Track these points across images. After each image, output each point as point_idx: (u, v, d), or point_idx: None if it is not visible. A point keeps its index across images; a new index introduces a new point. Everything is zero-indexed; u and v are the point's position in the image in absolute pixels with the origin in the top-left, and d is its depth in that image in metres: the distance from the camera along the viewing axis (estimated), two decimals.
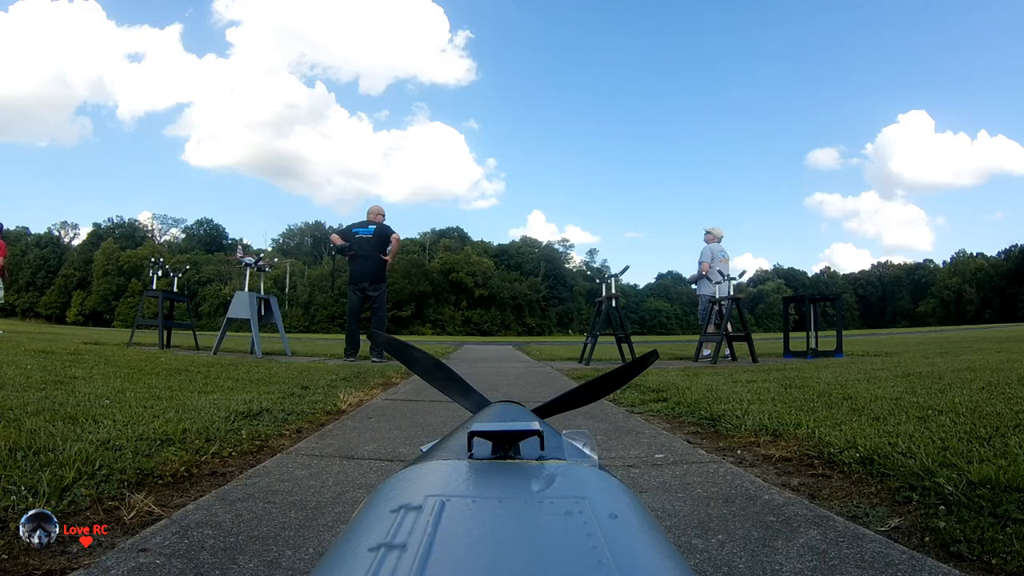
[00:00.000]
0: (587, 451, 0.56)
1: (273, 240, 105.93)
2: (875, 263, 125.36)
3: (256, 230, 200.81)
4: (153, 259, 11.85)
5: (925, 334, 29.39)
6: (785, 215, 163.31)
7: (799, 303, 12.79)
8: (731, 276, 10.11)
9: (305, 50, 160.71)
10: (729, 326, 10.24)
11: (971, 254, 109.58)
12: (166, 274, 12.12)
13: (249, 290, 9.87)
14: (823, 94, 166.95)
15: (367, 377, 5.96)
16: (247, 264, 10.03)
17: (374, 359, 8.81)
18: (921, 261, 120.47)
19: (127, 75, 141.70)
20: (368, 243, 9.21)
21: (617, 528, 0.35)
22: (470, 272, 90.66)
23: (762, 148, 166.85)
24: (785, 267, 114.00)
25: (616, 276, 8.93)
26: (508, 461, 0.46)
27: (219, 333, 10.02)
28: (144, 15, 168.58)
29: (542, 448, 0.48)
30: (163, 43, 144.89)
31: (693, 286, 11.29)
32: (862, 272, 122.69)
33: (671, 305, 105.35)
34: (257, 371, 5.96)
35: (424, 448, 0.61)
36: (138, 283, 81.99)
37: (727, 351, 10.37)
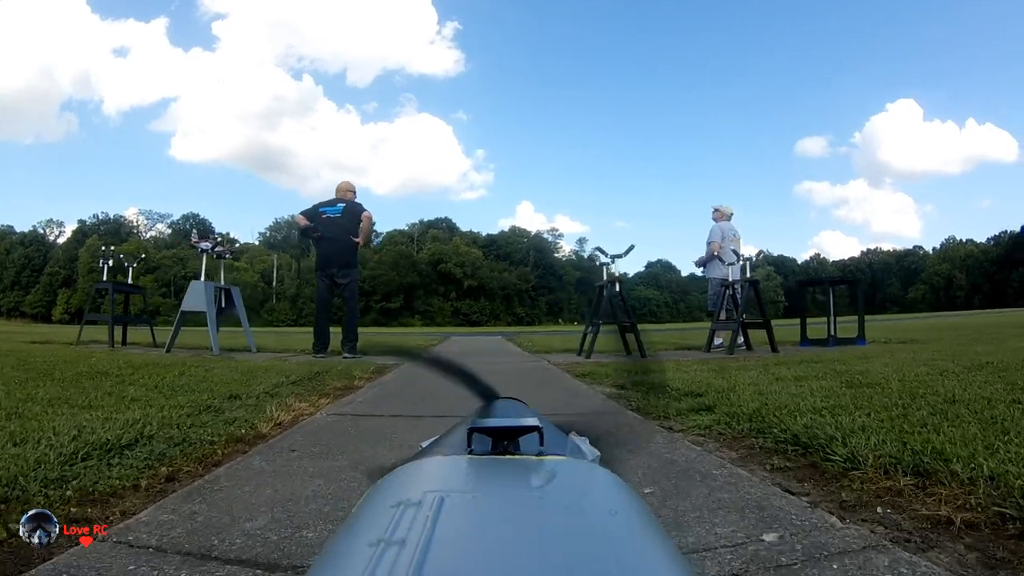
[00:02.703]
0: (587, 448, 0.56)
1: (260, 233, 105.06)
2: (864, 250, 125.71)
3: (244, 224, 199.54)
4: (104, 247, 10.68)
5: (933, 319, 28.57)
6: (774, 204, 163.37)
7: (809, 287, 11.81)
8: (748, 256, 9.07)
9: (292, 42, 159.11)
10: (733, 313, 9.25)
11: (961, 240, 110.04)
12: (122, 266, 10.94)
13: (206, 279, 8.71)
14: (811, 83, 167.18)
15: (324, 379, 4.86)
16: (203, 250, 8.86)
17: (346, 355, 7.71)
18: (911, 248, 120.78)
19: (112, 70, 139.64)
20: (336, 224, 8.11)
21: (617, 525, 0.35)
22: (459, 263, 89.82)
23: (751, 137, 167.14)
24: (775, 254, 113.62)
25: (619, 257, 7.82)
26: (507, 457, 0.45)
27: (172, 329, 8.84)
28: (129, 9, 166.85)
29: (542, 444, 0.47)
30: (148, 37, 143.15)
31: (700, 270, 10.24)
32: (851, 259, 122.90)
33: (660, 293, 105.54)
34: (191, 374, 4.85)
35: (424, 444, 0.63)
36: (123, 278, 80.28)
37: (741, 340, 9.36)
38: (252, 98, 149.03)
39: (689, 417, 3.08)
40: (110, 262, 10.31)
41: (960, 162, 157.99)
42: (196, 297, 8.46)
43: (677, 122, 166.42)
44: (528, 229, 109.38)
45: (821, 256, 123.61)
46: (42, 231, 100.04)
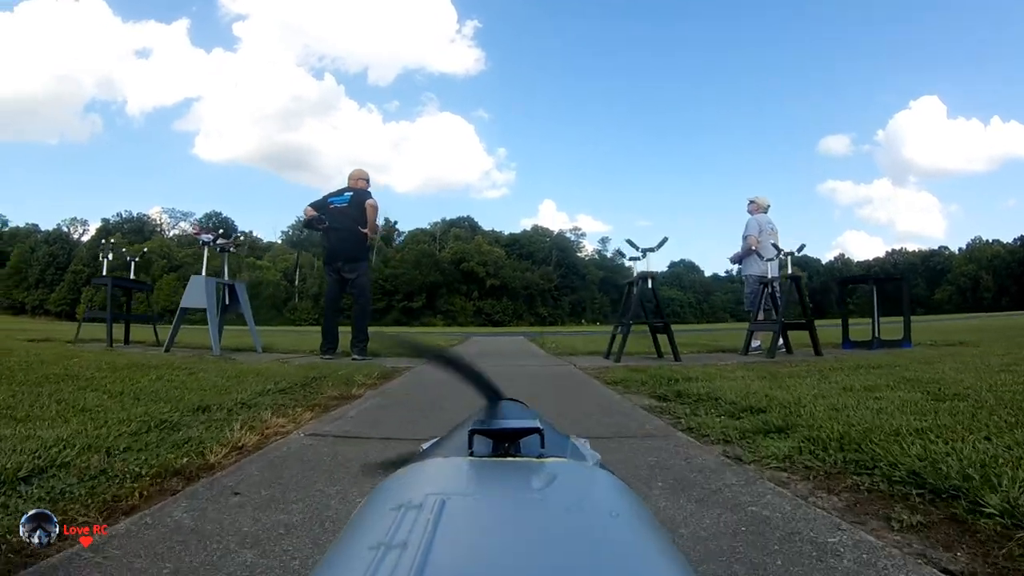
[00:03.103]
0: (588, 451, 0.55)
1: (283, 232, 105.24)
2: (889, 250, 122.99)
3: (266, 222, 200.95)
4: (104, 240, 10.24)
5: (972, 320, 27.41)
6: (797, 202, 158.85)
7: (851, 284, 11.05)
8: (789, 251, 8.36)
9: (312, 42, 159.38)
10: (772, 313, 8.55)
11: (987, 241, 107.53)
12: (124, 260, 10.51)
13: (209, 275, 8.19)
14: (834, 81, 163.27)
15: (319, 386, 4.29)
16: (204, 243, 8.34)
17: (355, 357, 7.15)
18: (936, 248, 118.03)
19: (135, 71, 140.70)
20: (343, 214, 7.55)
21: (618, 527, 0.35)
22: (481, 262, 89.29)
23: (774, 135, 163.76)
24: (798, 254, 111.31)
25: (651, 251, 7.15)
26: (509, 459, 0.45)
27: (172, 326, 8.33)
28: (150, 11, 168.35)
29: (543, 446, 0.47)
30: (170, 38, 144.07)
31: (735, 266, 9.54)
32: (876, 259, 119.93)
33: (684, 294, 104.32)
34: (171, 378, 4.31)
35: (424, 446, 0.62)
36: (147, 277, 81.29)
37: (780, 341, 8.67)
38: (274, 98, 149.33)
39: (758, 442, 2.43)
40: (110, 255, 9.82)
41: (985, 161, 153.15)
42: (196, 293, 7.95)
43: (699, 119, 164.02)
44: (550, 228, 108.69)
45: (845, 256, 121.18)
46: (66, 229, 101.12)
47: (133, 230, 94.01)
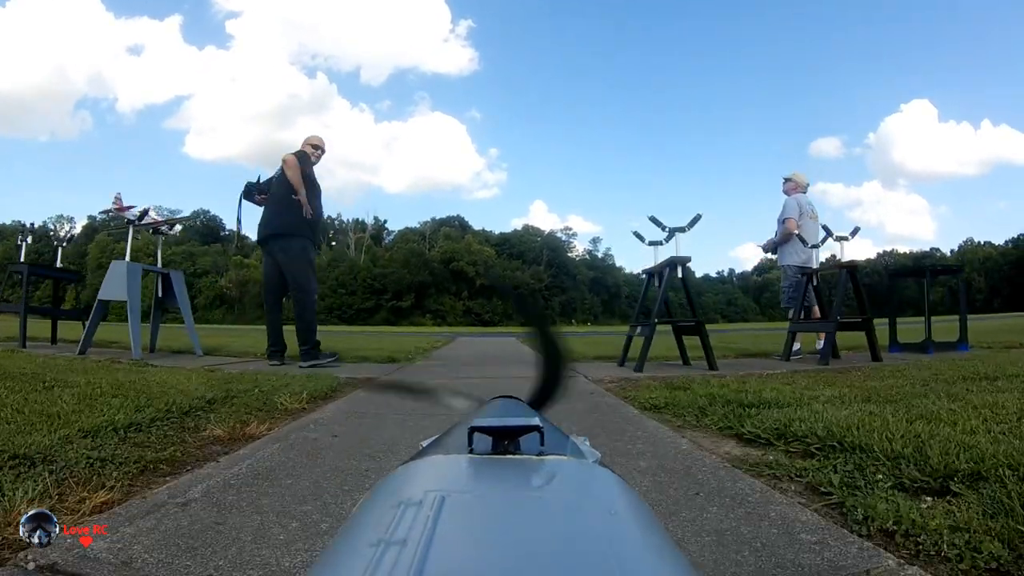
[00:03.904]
0: (588, 448, 0.53)
1: None
2: (880, 252, 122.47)
3: (255, 221, 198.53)
4: (25, 225, 8.73)
5: (986, 321, 26.11)
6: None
7: (904, 277, 9.63)
8: (842, 235, 6.96)
9: (306, 40, 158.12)
10: (817, 309, 7.14)
11: (979, 243, 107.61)
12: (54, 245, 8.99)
13: (133, 260, 6.69)
14: (826, 84, 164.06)
15: (207, 415, 2.83)
16: (129, 221, 6.83)
17: (300, 364, 5.74)
18: (927, 250, 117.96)
19: (127, 68, 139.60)
20: (277, 182, 6.06)
21: (617, 524, 0.35)
22: (471, 261, 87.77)
23: (765, 137, 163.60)
24: (852, 239, 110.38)
25: (680, 231, 5.66)
26: (508, 457, 0.44)
27: (88, 323, 6.81)
28: (143, 6, 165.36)
29: (542, 444, 0.46)
30: (162, 35, 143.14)
31: (769, 255, 8.11)
32: (868, 261, 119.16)
33: (675, 294, 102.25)
34: (32, 400, 2.85)
35: (424, 443, 0.58)
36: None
37: (820, 344, 7.27)
38: (266, 96, 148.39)
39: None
40: (28, 239, 8.30)
41: (976, 164, 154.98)
42: (116, 282, 6.43)
43: (691, 122, 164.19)
44: (542, 228, 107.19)
45: (836, 258, 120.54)
46: (52, 227, 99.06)
47: (119, 228, 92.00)
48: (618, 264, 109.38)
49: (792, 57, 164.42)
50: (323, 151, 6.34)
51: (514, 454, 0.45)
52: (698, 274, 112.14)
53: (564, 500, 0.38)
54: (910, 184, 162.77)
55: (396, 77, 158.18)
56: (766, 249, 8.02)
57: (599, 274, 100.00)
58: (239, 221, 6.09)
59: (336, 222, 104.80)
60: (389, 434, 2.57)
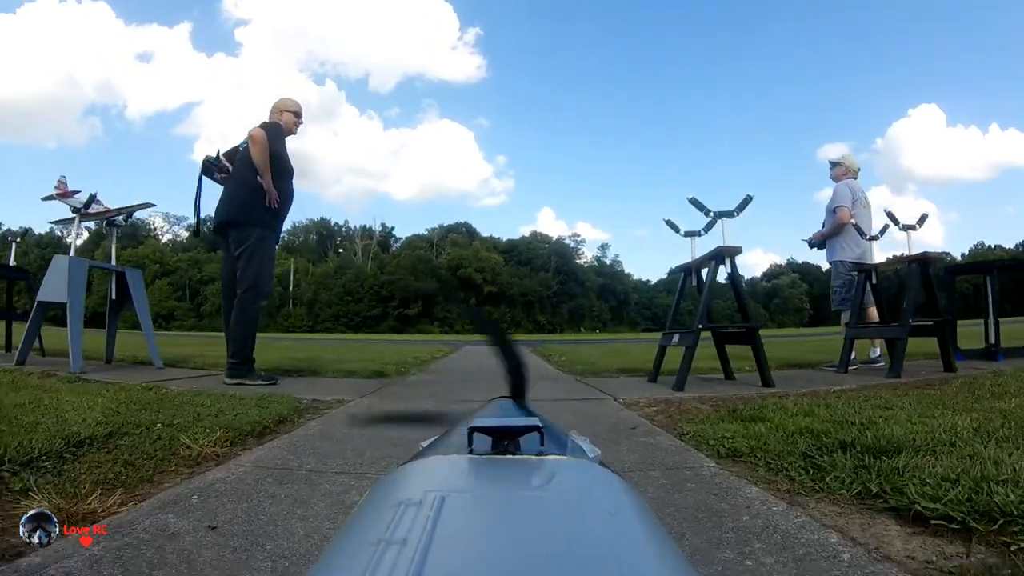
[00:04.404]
0: (588, 448, 0.53)
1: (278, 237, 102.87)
2: (889, 256, 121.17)
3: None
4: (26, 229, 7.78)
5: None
6: (796, 210, 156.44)
7: (963, 274, 8.58)
8: (909, 224, 5.95)
9: (314, 48, 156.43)
10: (874, 311, 6.12)
11: (989, 247, 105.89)
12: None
13: (78, 255, 5.72)
14: (833, 89, 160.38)
15: (125, 450, 1.86)
16: (75, 210, 5.84)
17: (226, 380, 4.76)
18: (938, 254, 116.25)
19: (136, 75, 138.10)
20: (241, 161, 4.98)
21: (617, 524, 0.35)
22: (479, 268, 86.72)
23: (773, 144, 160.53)
24: (799, 261, 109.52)
25: (728, 216, 4.60)
26: (508, 457, 0.45)
27: (26, 329, 5.84)
28: (152, 14, 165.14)
29: (542, 444, 0.46)
30: (172, 42, 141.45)
31: (815, 250, 7.06)
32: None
33: (685, 301, 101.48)
34: None
35: (424, 444, 0.59)
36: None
37: (876, 351, 6.27)
38: (274, 102, 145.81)
39: None
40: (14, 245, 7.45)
41: (984, 168, 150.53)
42: (57, 281, 5.46)
43: (699, 128, 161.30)
44: (550, 235, 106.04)
45: (846, 263, 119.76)
46: (59, 233, 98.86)
47: (126, 234, 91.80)
48: (627, 271, 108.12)
49: (799, 63, 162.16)
50: (300, 119, 5.32)
51: (514, 454, 0.45)
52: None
53: (564, 500, 0.37)
54: (919, 189, 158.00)
55: (404, 84, 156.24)
56: (812, 243, 6.97)
57: (608, 281, 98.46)
58: (197, 206, 5.08)
59: (343, 229, 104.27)
60: (313, 520, 1.56)
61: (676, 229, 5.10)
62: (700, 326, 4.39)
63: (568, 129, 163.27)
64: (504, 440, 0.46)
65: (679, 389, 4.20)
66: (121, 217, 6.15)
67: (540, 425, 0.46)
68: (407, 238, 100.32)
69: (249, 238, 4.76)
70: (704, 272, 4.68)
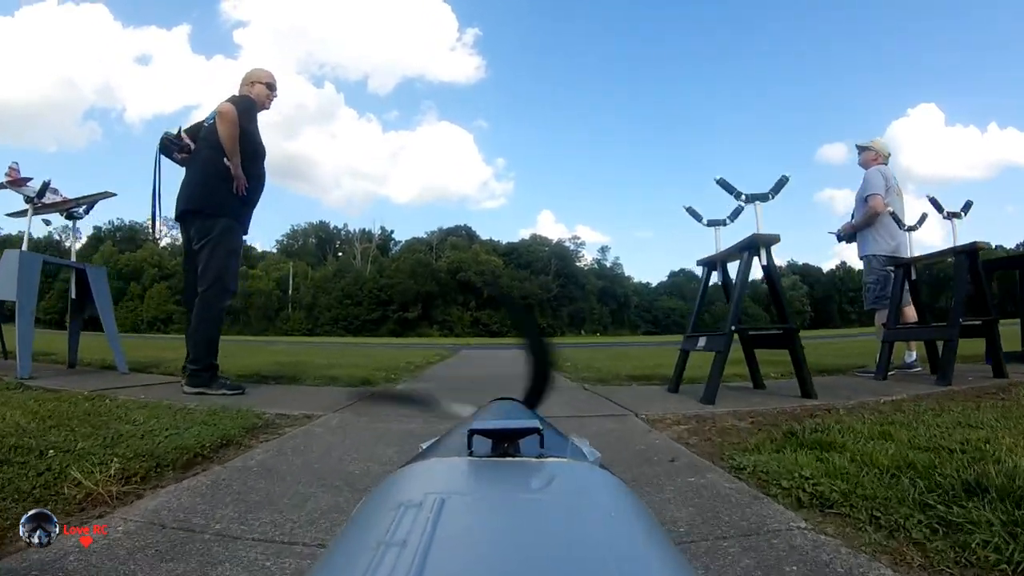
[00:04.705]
0: (587, 450, 0.54)
1: (277, 241, 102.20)
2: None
3: (262, 231, 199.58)
4: None
5: None
6: (796, 212, 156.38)
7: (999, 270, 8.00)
8: (953, 212, 5.39)
9: (313, 49, 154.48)
10: (912, 310, 5.54)
11: (991, 246, 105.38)
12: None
13: (32, 250, 5.12)
14: (832, 89, 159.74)
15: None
16: (28, 199, 5.24)
17: (185, 388, 4.14)
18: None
19: (135, 77, 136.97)
20: (204, 140, 4.34)
21: (617, 526, 0.34)
22: (479, 271, 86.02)
23: (772, 145, 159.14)
24: (800, 263, 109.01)
25: (761, 200, 3.97)
26: (508, 459, 0.44)
27: None
28: (151, 16, 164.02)
29: (542, 446, 0.46)
30: (171, 45, 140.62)
31: (843, 243, 6.45)
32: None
33: (685, 303, 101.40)
34: None
35: (424, 446, 0.59)
36: (137, 287, 79.46)
37: (912, 356, 5.69)
38: (273, 106, 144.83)
39: None
40: None
41: (983, 168, 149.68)
42: (6, 277, 4.87)
43: (698, 129, 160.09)
44: (549, 238, 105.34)
45: (847, 265, 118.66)
46: (58, 237, 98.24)
47: (125, 238, 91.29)
48: (627, 273, 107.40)
49: (797, 62, 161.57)
50: (274, 92, 4.72)
51: (514, 456, 0.45)
52: (709, 281, 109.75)
53: (564, 502, 0.37)
54: (918, 188, 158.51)
55: (403, 86, 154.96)
56: (841, 236, 6.37)
57: (608, 283, 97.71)
58: (156, 193, 4.48)
59: (343, 232, 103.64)
60: None
61: (698, 217, 4.51)
62: (733, 328, 3.79)
63: (568, 131, 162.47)
64: (504, 442, 0.45)
65: (709, 402, 3.59)
66: (82, 209, 5.56)
67: (540, 427, 0.46)
68: (407, 241, 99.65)
69: (213, 229, 4.16)
70: (734, 266, 4.06)
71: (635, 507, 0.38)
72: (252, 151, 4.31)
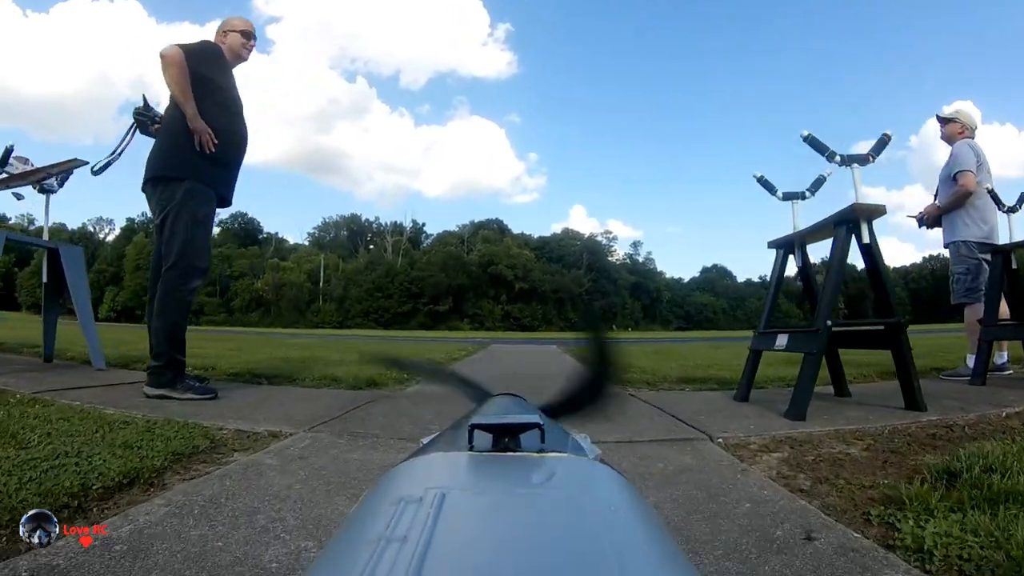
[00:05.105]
0: (588, 445, 0.54)
1: (309, 234, 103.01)
2: (926, 255, 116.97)
3: (293, 224, 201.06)
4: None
5: None
6: (829, 210, 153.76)
7: None
8: (1011, 206, 4.61)
9: (346, 45, 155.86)
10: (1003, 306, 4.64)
11: None
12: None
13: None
14: (867, 86, 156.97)
15: None
16: None
17: (146, 390, 3.41)
18: None
19: None
20: (171, 96, 3.58)
21: (617, 521, 0.34)
22: (510, 264, 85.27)
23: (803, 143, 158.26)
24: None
25: (861, 162, 3.11)
26: (508, 454, 0.44)
27: None
28: (184, 12, 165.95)
29: (543, 441, 0.45)
30: (203, 39, 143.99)
31: (925, 229, 5.55)
32: (913, 265, 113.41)
33: (717, 299, 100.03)
34: None
35: (424, 441, 0.58)
36: None
37: (1004, 356, 4.82)
38: (306, 100, 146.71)
39: None
40: None
41: (1019, 165, 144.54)
42: None
43: (730, 125, 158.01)
44: (581, 232, 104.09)
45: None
46: (92, 229, 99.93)
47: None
48: (659, 268, 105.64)
49: (833, 60, 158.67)
50: (250, 41, 4.02)
51: (514, 451, 0.44)
52: (739, 278, 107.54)
53: (564, 497, 0.37)
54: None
55: (435, 81, 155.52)
56: (923, 221, 5.46)
57: (640, 278, 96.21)
58: (109, 160, 3.78)
59: (374, 225, 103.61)
60: None
61: (771, 189, 3.69)
62: (829, 323, 2.94)
63: (600, 126, 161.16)
64: (505, 437, 0.45)
65: (798, 417, 2.76)
66: (54, 180, 4.88)
67: (541, 422, 0.45)
68: (438, 234, 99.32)
69: (175, 195, 3.43)
70: (815, 247, 3.23)
71: (636, 502, 0.38)
72: (222, 102, 3.60)
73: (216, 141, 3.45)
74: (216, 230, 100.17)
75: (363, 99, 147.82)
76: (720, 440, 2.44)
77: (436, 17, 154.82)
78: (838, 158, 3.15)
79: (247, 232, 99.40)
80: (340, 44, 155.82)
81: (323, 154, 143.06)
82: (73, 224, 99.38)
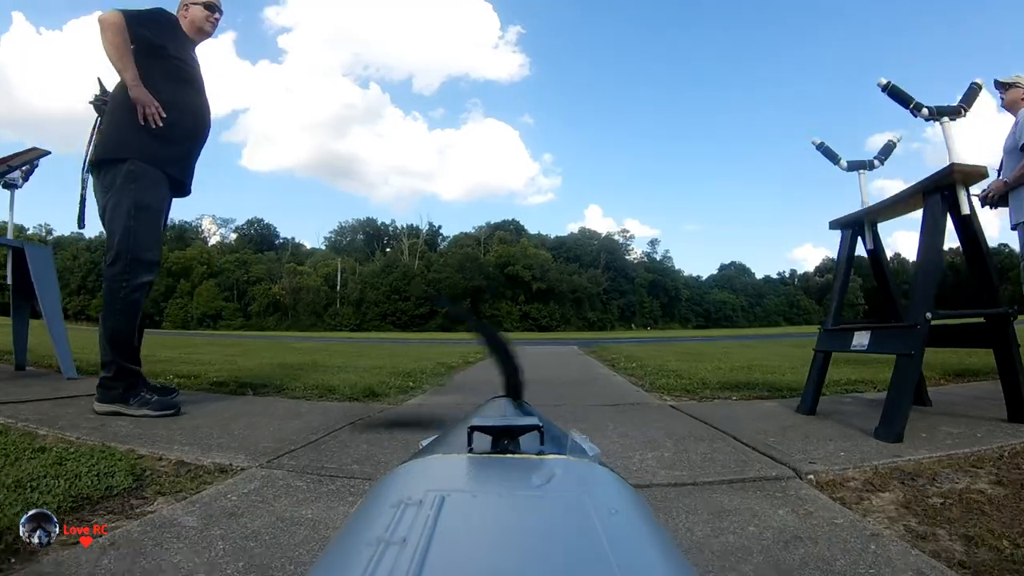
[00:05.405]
0: (587, 447, 0.50)
1: (325, 238, 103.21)
2: (946, 249, 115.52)
3: (310, 229, 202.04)
4: None
5: None
6: (844, 204, 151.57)
7: None
8: None
9: (359, 51, 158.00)
10: None
11: None
12: None
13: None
14: (882, 76, 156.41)
15: None
16: None
17: (96, 405, 2.91)
18: (995, 246, 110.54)
19: None
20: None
21: (617, 523, 0.33)
22: (527, 265, 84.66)
23: (821, 134, 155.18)
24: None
25: (955, 115, 2.53)
26: (508, 456, 0.44)
27: None
28: None
29: (542, 443, 0.45)
30: (217, 51, 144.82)
31: (987, 208, 4.86)
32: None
33: (736, 297, 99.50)
34: None
35: (424, 443, 0.57)
36: (187, 284, 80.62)
37: None
38: (320, 107, 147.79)
39: None
40: None
41: None
42: None
43: (745, 122, 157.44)
44: (598, 231, 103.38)
45: (901, 256, 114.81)
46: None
47: (174, 237, 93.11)
48: (677, 267, 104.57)
49: (848, 52, 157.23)
50: (215, 14, 3.46)
51: (514, 453, 0.44)
52: (758, 275, 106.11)
53: (564, 499, 0.37)
54: None
55: (448, 85, 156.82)
56: (987, 199, 4.75)
57: (658, 277, 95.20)
58: (86, 161, 3.24)
59: (390, 228, 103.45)
60: None
61: (834, 158, 3.14)
62: (929, 316, 2.34)
63: (614, 125, 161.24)
64: (504, 439, 0.45)
65: (895, 439, 2.17)
66: (17, 174, 4.39)
67: (540, 424, 0.45)
68: (454, 236, 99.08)
69: (116, 179, 2.92)
70: (936, 208, 2.61)
71: (635, 504, 0.38)
72: (174, 72, 3.06)
73: (164, 115, 2.91)
74: (232, 236, 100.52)
75: (377, 104, 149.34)
76: (811, 477, 1.83)
77: (447, 22, 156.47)
78: (925, 110, 2.55)
79: (263, 237, 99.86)
80: (353, 51, 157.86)
81: (337, 159, 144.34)
82: (90, 233, 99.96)
